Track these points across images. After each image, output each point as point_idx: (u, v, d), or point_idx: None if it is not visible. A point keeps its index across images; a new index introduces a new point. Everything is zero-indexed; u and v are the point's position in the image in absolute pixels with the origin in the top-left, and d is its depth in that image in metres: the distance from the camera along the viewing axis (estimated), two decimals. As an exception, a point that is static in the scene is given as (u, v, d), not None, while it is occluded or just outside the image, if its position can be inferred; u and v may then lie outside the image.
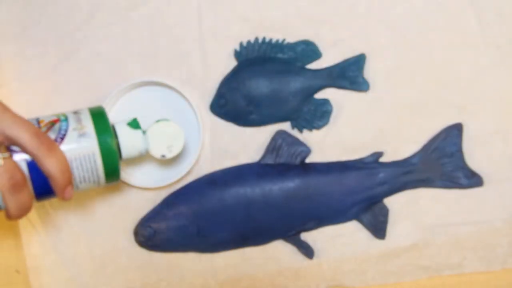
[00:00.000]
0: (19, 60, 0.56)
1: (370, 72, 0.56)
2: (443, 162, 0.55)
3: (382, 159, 0.56)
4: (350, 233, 0.56)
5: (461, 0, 0.55)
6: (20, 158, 0.43)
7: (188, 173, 0.56)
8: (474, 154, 0.56)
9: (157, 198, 0.57)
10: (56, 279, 0.57)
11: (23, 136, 0.41)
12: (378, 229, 0.56)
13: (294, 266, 0.57)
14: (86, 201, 0.57)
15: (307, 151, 0.56)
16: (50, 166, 0.42)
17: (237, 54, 0.56)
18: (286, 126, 0.57)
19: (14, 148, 0.43)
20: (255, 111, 0.56)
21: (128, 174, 0.57)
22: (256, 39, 0.56)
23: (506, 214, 0.55)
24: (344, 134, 0.56)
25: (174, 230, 0.55)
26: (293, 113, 0.56)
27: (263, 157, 0.56)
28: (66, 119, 0.46)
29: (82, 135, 0.45)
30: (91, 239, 0.58)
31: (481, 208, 0.56)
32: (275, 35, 0.56)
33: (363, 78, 0.56)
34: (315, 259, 0.56)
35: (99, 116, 0.47)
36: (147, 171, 0.57)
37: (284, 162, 0.56)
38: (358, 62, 0.56)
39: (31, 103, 0.56)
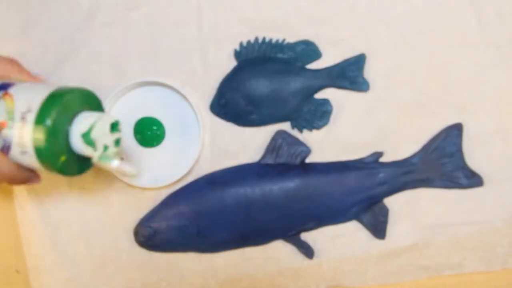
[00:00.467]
0: (19, 60, 0.56)
1: (370, 72, 0.56)
2: (443, 162, 0.55)
3: (382, 159, 0.56)
4: (350, 233, 0.56)
5: (461, 0, 0.55)
6: None
7: (188, 173, 0.56)
8: (474, 154, 0.56)
9: (157, 198, 0.57)
10: (56, 279, 0.58)
11: None
12: (378, 229, 0.56)
13: (294, 266, 0.57)
14: (86, 201, 0.57)
15: (307, 151, 0.56)
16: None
17: (237, 54, 0.56)
18: (286, 126, 0.57)
19: None
20: (255, 111, 0.56)
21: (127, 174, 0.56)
22: (256, 39, 0.56)
23: (506, 214, 0.55)
24: (344, 134, 0.56)
25: (174, 230, 0.55)
26: (293, 113, 0.56)
27: (263, 157, 0.56)
28: (11, 126, 0.41)
29: (24, 152, 0.41)
30: (91, 239, 0.58)
31: (481, 208, 0.56)
32: (275, 35, 0.56)
33: (363, 78, 0.56)
34: (315, 259, 0.56)
35: (44, 118, 0.40)
36: (147, 172, 0.57)
37: (284, 162, 0.56)
38: (358, 62, 0.56)
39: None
